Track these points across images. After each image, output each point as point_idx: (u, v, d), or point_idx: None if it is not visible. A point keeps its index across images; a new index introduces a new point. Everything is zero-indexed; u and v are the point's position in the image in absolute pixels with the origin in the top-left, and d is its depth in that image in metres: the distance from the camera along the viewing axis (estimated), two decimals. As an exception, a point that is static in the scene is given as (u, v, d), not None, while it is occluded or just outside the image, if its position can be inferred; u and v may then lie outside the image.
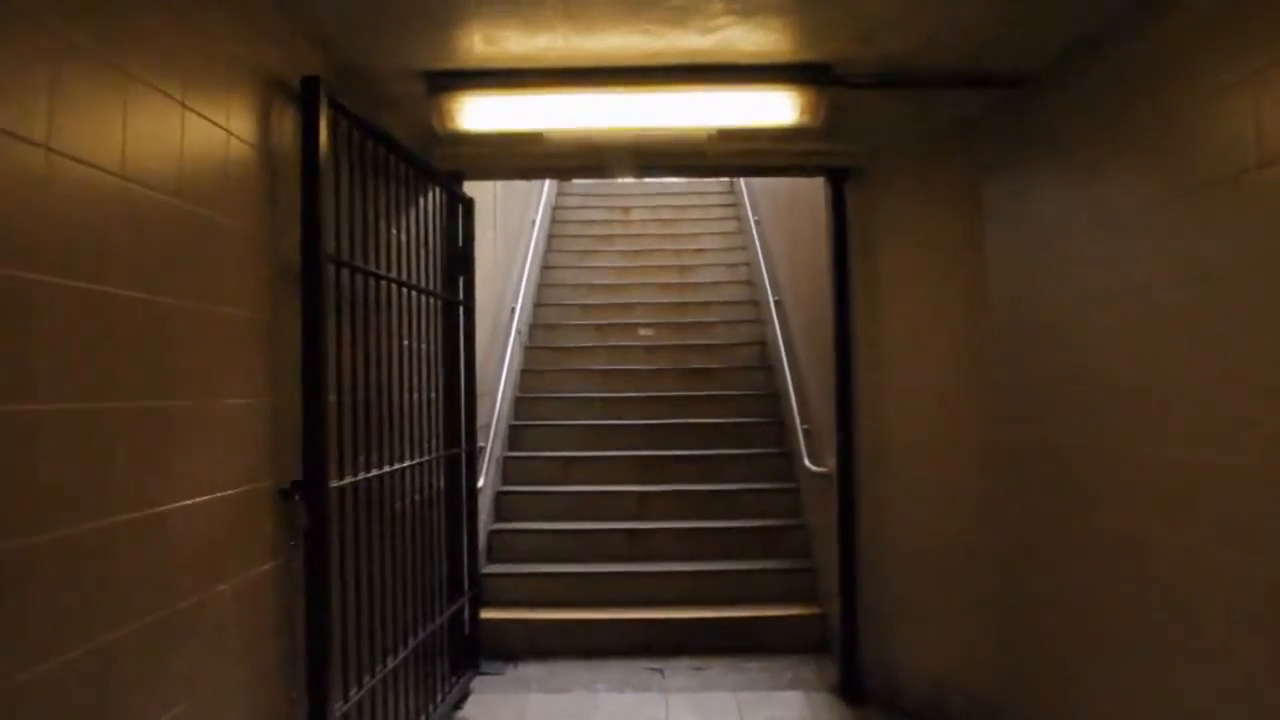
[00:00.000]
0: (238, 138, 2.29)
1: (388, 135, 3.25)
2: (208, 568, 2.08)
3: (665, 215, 9.32)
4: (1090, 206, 2.76)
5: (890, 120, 3.73)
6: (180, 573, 1.96)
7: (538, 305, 7.75)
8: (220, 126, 2.21)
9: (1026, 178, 3.21)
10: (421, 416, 3.66)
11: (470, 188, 4.71)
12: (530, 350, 7.17)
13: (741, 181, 8.48)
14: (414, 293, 3.60)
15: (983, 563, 3.45)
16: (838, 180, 4.21)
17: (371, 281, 3.14)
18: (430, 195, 3.92)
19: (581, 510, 5.65)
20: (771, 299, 6.36)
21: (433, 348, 3.87)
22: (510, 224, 6.45)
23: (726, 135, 3.55)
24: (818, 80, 3.08)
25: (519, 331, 6.80)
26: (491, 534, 5.41)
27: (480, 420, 5.10)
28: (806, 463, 4.85)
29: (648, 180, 9.41)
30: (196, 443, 2.06)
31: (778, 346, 6.11)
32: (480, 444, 5.04)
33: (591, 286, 8.07)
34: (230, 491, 2.18)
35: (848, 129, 3.84)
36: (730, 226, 9.02)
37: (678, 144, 3.84)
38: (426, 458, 3.69)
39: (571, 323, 7.60)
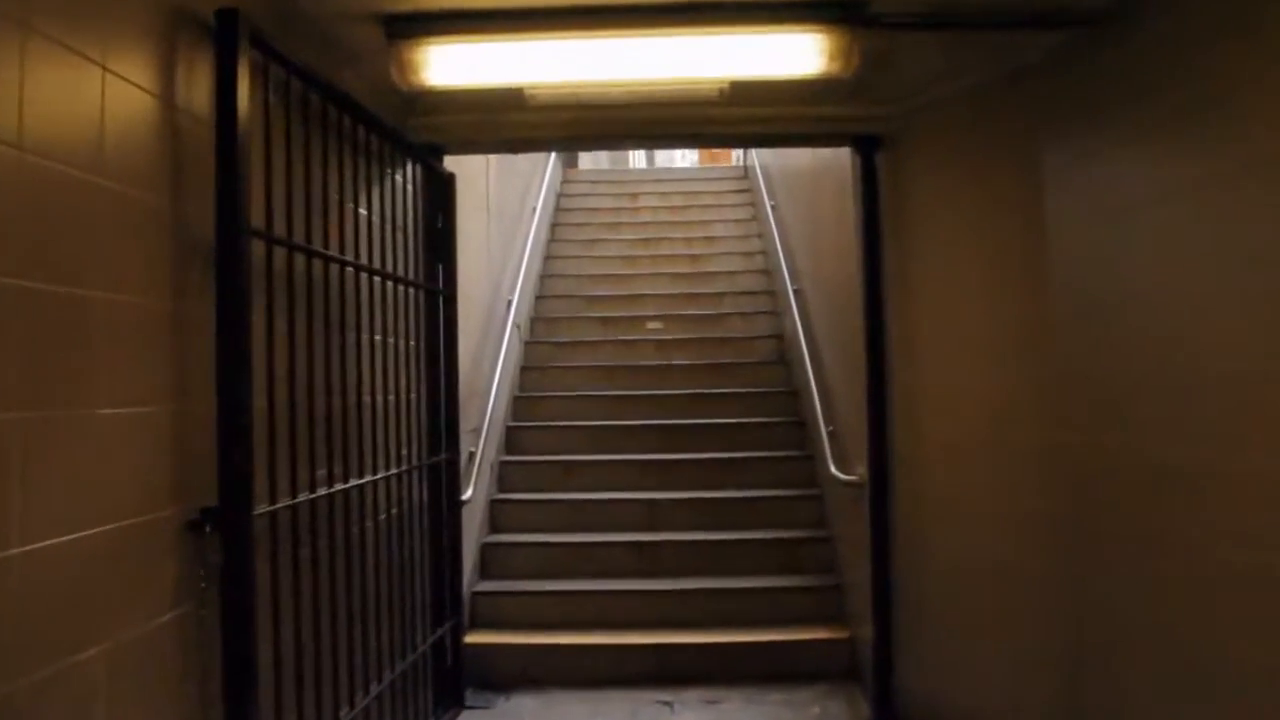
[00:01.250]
0: (128, 82, 1.82)
1: (348, 96, 2.78)
2: (75, 627, 1.60)
3: (676, 202, 8.81)
4: (1192, 161, 2.24)
5: (930, 75, 3.22)
6: (31, 637, 1.49)
7: (539, 297, 7.27)
8: (97, 64, 1.73)
9: (1100, 134, 2.69)
10: (397, 421, 3.20)
11: (459, 167, 4.24)
12: (530, 345, 6.69)
13: (756, 165, 7.97)
14: (386, 280, 3.14)
15: (1044, 591, 2.94)
16: (867, 150, 3.70)
17: (329, 266, 2.67)
18: (405, 170, 3.45)
19: (584, 520, 5.17)
20: (790, 289, 5.86)
21: (410, 343, 3.40)
22: (507, 209, 5.97)
23: (740, 94, 3.05)
24: (850, 20, 2.58)
25: (517, 326, 6.32)
26: (484, 547, 4.93)
27: (471, 422, 4.63)
28: (833, 469, 4.34)
29: (657, 166, 8.93)
30: (60, 465, 1.59)
31: (797, 340, 5.60)
32: (470, 448, 4.57)
33: (597, 277, 7.58)
34: (113, 525, 1.71)
35: (879, 87, 3.33)
36: (744, 213, 8.50)
37: (683, 105, 3.33)
38: (402, 468, 3.23)
39: (575, 316, 7.12)
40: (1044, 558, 2.96)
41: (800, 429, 5.74)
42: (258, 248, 2.19)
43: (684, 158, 10.70)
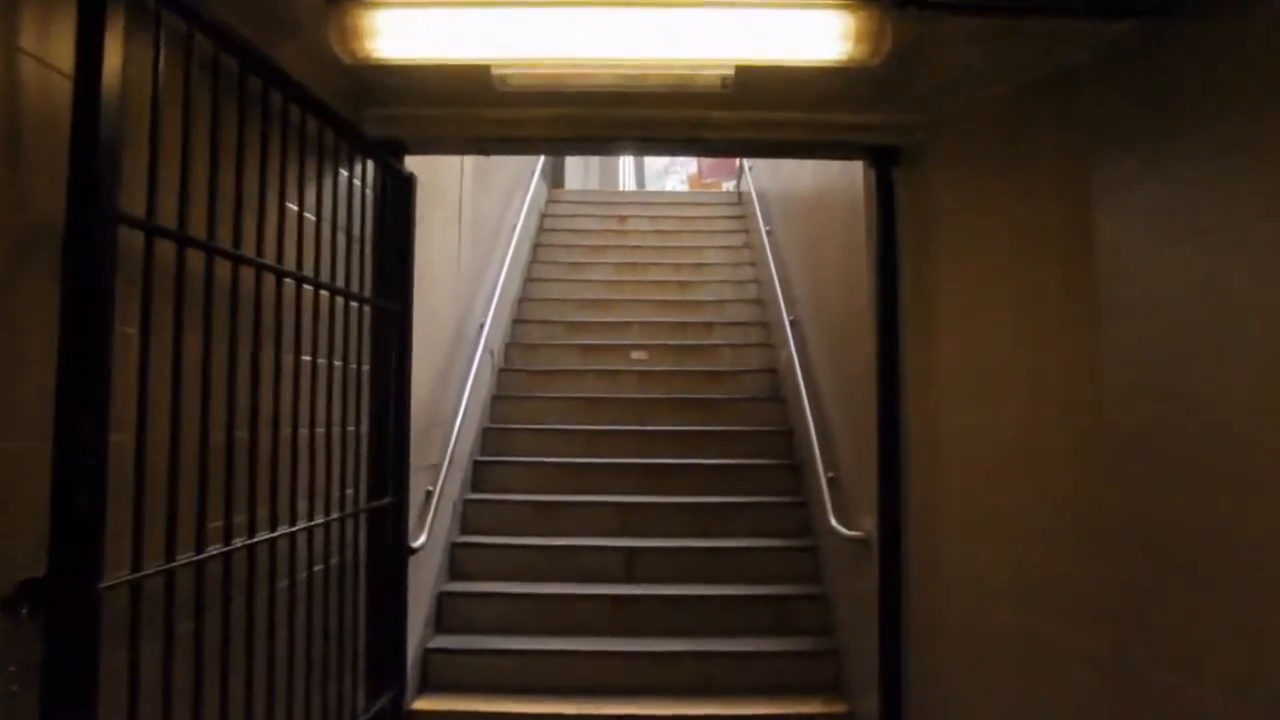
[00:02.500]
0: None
1: (282, 71, 2.32)
2: None
3: (666, 226, 8.38)
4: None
5: (963, 76, 2.81)
6: None
7: (516, 322, 6.79)
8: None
9: (1167, 144, 2.27)
10: (332, 459, 2.71)
11: (429, 175, 3.80)
12: (504, 373, 6.20)
13: (751, 190, 7.57)
14: (327, 293, 2.67)
15: (1086, 673, 2.47)
16: (884, 163, 3.28)
17: (257, 274, 2.21)
18: (358, 169, 2.99)
19: (555, 568, 4.66)
20: (786, 319, 5.42)
21: (355, 367, 2.91)
22: (484, 225, 5.52)
23: (744, 92, 2.61)
24: (881, -3, 2.15)
25: (490, 351, 5.84)
26: (442, 597, 4.41)
27: (431, 457, 4.14)
28: (833, 522, 3.86)
29: (648, 189, 8.51)
30: None
31: (793, 375, 5.14)
32: (429, 486, 4.07)
33: (579, 302, 7.12)
34: None
35: (902, 89, 2.92)
36: (737, 240, 8.09)
37: (680, 103, 2.90)
38: (336, 515, 2.73)
39: (554, 343, 6.64)
40: (1087, 635, 2.49)
41: (795, 473, 5.27)
42: (134, 240, 1.72)
43: (675, 181, 10.32)
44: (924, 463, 3.14)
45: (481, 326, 5.33)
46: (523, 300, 7.09)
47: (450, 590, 4.45)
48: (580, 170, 11.01)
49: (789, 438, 5.54)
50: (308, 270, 2.54)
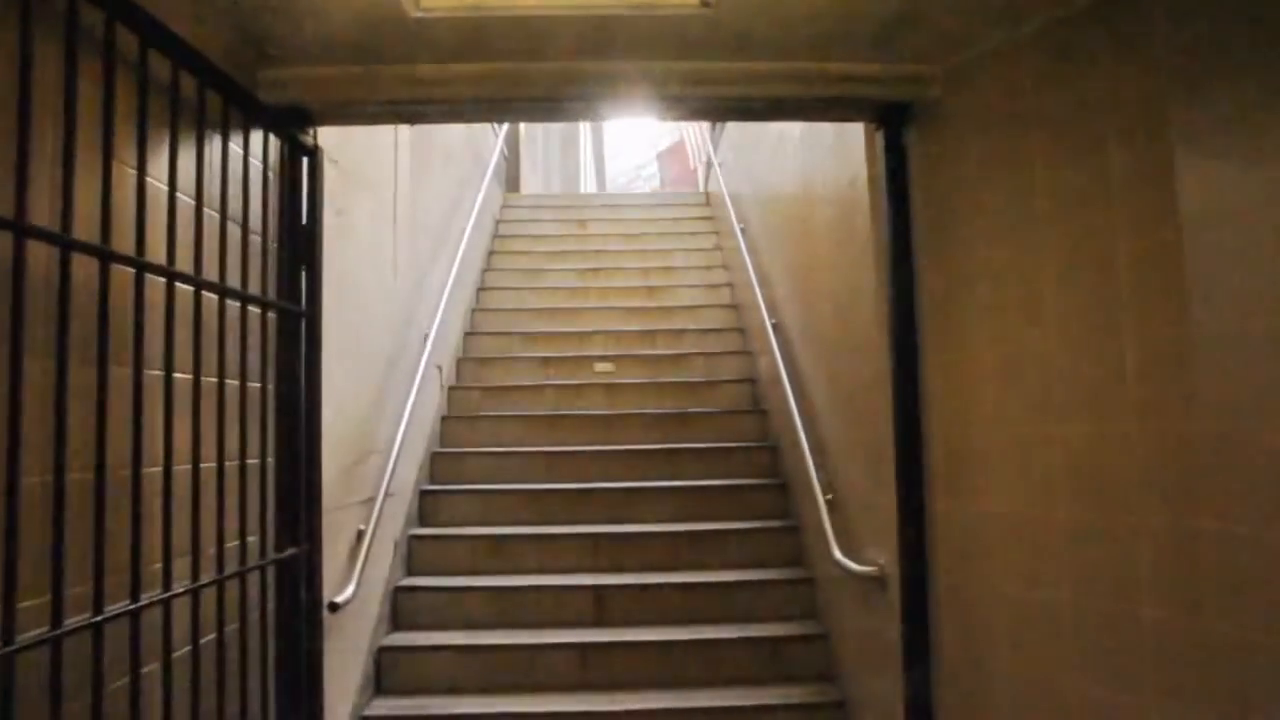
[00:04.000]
0: None
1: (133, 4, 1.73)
2: None
3: (631, 230, 7.83)
4: None
5: (986, 11, 2.28)
6: None
7: (468, 334, 6.18)
8: None
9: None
10: (227, 500, 2.09)
11: (353, 158, 3.24)
12: (455, 391, 5.58)
13: (723, 188, 7.04)
14: (207, 293, 2.06)
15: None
16: (894, 124, 2.75)
17: (85, 264, 1.60)
18: (252, 142, 2.38)
19: (514, 613, 4.04)
20: (768, 322, 4.87)
21: (256, 385, 2.30)
22: (426, 224, 4.91)
23: (727, 40, 2.06)
24: None
25: (438, 367, 5.22)
26: (382, 653, 3.77)
27: (364, 489, 3.51)
28: (837, 554, 3.30)
29: (610, 192, 7.97)
30: None
31: (778, 384, 4.59)
32: (360, 525, 3.45)
33: (538, 311, 6.52)
34: None
35: (918, 29, 2.39)
36: (707, 242, 7.56)
37: (647, 49, 2.34)
38: (226, 573, 2.11)
39: (511, 355, 6.03)
40: (1175, 699, 1.96)
41: (782, 494, 4.71)
42: None
43: (641, 189, 9.76)
44: (953, 487, 2.59)
45: (426, 338, 4.71)
46: (475, 310, 6.48)
47: (391, 644, 3.81)
48: (539, 174, 10.43)
49: (774, 454, 4.99)
50: (183, 266, 1.93)
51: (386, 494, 3.73)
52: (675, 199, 8.71)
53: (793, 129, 4.20)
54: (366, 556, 3.34)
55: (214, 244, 2.10)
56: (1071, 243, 2.24)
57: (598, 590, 4.08)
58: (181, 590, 1.89)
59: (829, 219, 3.57)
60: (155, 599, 1.79)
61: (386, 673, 3.75)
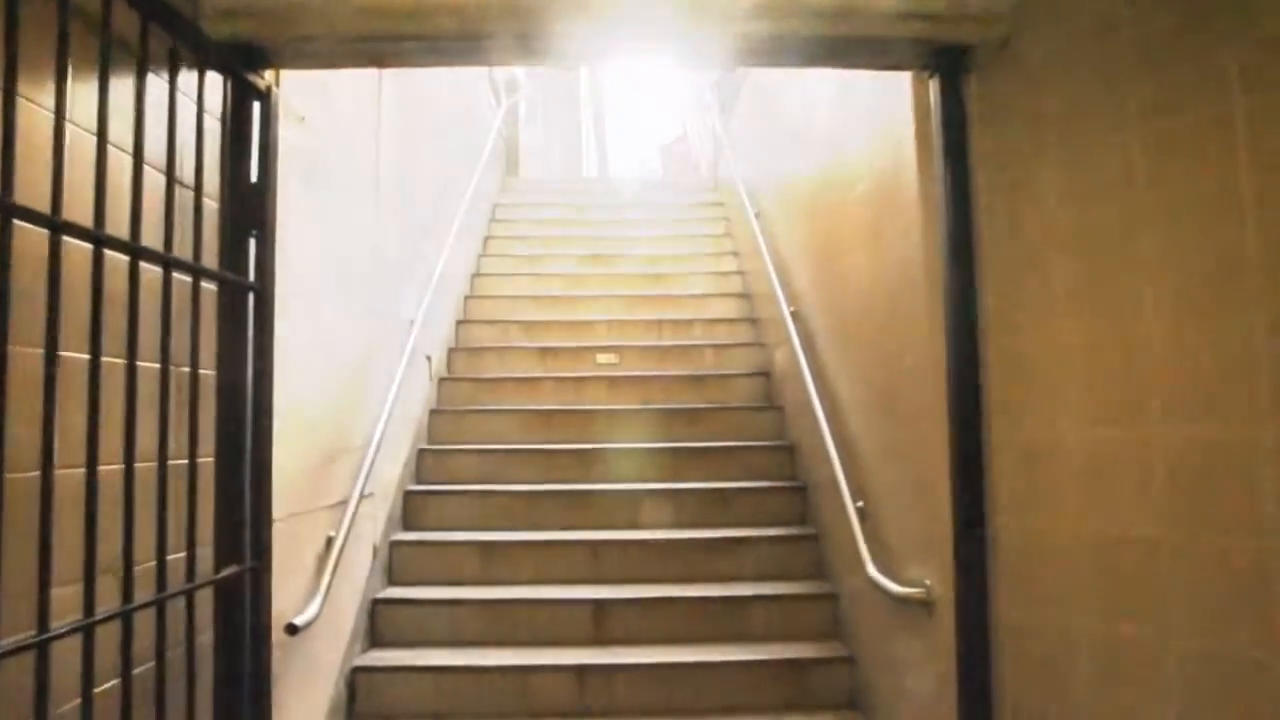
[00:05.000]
0: None
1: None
2: None
3: (630, 215, 7.42)
4: None
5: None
6: None
7: (460, 322, 5.77)
8: None
9: None
10: (157, 508, 1.70)
11: (325, 116, 2.85)
12: (445, 383, 5.18)
13: (734, 169, 6.63)
14: (134, 259, 1.66)
15: None
16: (951, 71, 2.34)
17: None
18: (174, 72, 1.97)
19: (506, 630, 3.65)
20: (786, 311, 4.45)
21: (188, 370, 1.90)
22: (413, 199, 4.50)
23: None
24: None
25: (427, 357, 4.82)
26: (357, 674, 3.37)
27: (335, 492, 3.11)
28: (872, 571, 2.89)
29: (611, 178, 7.57)
30: None
31: (796, 378, 4.18)
32: (330, 532, 3.05)
33: (537, 299, 6.11)
34: None
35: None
36: (716, 229, 7.16)
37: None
38: (164, 594, 1.71)
39: (507, 345, 5.63)
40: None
41: (799, 497, 4.31)
42: None
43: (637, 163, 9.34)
44: (1019, 499, 2.19)
45: (412, 324, 4.30)
46: (469, 298, 6.08)
47: (367, 664, 3.41)
48: (539, 158, 10.03)
49: (790, 454, 4.59)
50: (106, 225, 1.53)
51: (363, 495, 3.33)
52: (681, 184, 8.28)
53: (819, 93, 3.78)
54: (336, 567, 2.94)
55: (149, 203, 1.70)
56: (1181, 206, 1.83)
57: (597, 605, 3.67)
58: (64, 630, 1.48)
59: (865, 191, 3.15)
60: (26, 641, 1.39)
61: (360, 696, 3.35)
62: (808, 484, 4.30)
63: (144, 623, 1.71)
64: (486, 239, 6.91)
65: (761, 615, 3.69)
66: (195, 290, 1.93)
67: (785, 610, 3.71)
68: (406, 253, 4.30)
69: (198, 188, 1.95)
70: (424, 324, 4.42)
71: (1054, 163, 2.11)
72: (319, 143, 2.97)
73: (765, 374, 5.23)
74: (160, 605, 1.73)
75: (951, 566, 2.32)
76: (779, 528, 4.17)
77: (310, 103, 2.93)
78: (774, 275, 4.82)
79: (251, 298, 2.21)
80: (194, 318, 1.91)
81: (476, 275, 6.37)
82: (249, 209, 2.22)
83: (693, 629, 3.65)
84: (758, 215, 5.57)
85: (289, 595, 2.67)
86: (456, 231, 5.34)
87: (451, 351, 5.47)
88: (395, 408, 3.83)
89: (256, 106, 2.27)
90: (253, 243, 2.25)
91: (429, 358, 4.88)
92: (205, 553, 2.04)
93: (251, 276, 2.21)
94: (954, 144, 2.32)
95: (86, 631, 1.49)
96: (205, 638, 2.04)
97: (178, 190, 1.89)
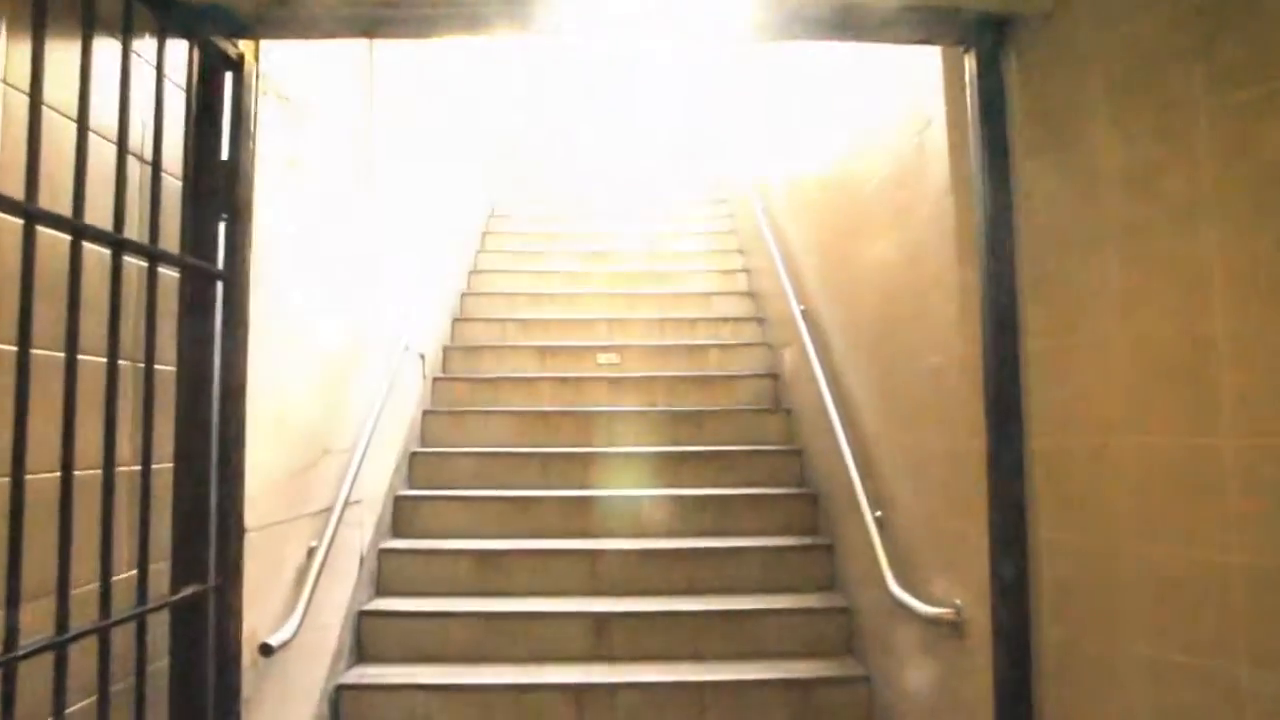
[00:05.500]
0: None
1: None
2: None
3: (636, 208, 7.23)
4: None
5: None
6: None
7: (457, 320, 5.57)
8: None
9: None
10: (113, 521, 1.50)
11: (309, 96, 2.66)
12: (439, 383, 4.97)
13: (737, 162, 6.43)
14: (79, 240, 1.46)
15: None
16: (988, 45, 2.14)
17: None
18: (127, 35, 1.77)
19: (499, 646, 3.44)
20: (797, 309, 4.25)
21: (148, 367, 1.70)
22: (404, 186, 4.30)
23: None
24: None
25: (420, 355, 4.61)
26: (342, 692, 3.16)
27: (316, 500, 2.91)
28: (894, 587, 2.69)
29: (611, 172, 7.40)
30: None
31: (807, 380, 3.98)
32: (312, 542, 2.85)
33: (535, 297, 5.91)
34: None
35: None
36: (721, 225, 6.96)
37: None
38: (114, 618, 1.51)
39: (505, 344, 5.42)
40: None
41: (810, 506, 4.11)
42: None
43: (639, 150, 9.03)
44: (1064, 514, 1.99)
45: (405, 319, 4.09)
46: (465, 295, 5.88)
47: (352, 682, 3.20)
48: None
49: (799, 459, 4.39)
50: (46, 203, 1.33)
51: (348, 502, 3.12)
52: (685, 178, 8.07)
53: (834, 74, 3.57)
54: (317, 580, 2.73)
55: (101, 180, 1.50)
56: (1261, 182, 1.63)
57: (599, 619, 3.47)
58: (35, 648, 1.28)
59: (887, 177, 2.95)
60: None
61: (344, 716, 3.15)
62: (819, 491, 4.10)
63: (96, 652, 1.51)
64: (484, 234, 6.72)
65: (772, 630, 3.49)
66: (151, 276, 1.72)
67: (797, 625, 3.51)
68: (398, 241, 4.09)
69: (156, 162, 1.75)
70: (417, 319, 4.22)
71: (1105, 144, 1.91)
72: (303, 124, 2.76)
73: (773, 375, 5.03)
74: (103, 634, 1.53)
75: (988, 586, 2.12)
76: (789, 537, 3.97)
77: (297, 84, 2.73)
78: (783, 272, 4.62)
79: (220, 286, 2.00)
80: (149, 307, 1.71)
81: (473, 272, 6.16)
82: (219, 189, 2.02)
83: (699, 644, 3.44)
84: (765, 210, 5.37)
85: (264, 612, 2.46)
86: (454, 221, 5.14)
87: (446, 350, 5.27)
88: (386, 408, 3.63)
89: (229, 77, 2.06)
90: (222, 226, 2.05)
91: (422, 356, 4.67)
92: (165, 570, 1.84)
93: (220, 263, 2.00)
94: (991, 126, 2.12)
95: (6, 668, 1.28)
96: (165, 664, 1.84)
97: (137, 166, 1.70)
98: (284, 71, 2.62)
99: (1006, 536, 2.08)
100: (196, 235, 1.95)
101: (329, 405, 3.10)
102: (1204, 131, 1.72)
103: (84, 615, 1.51)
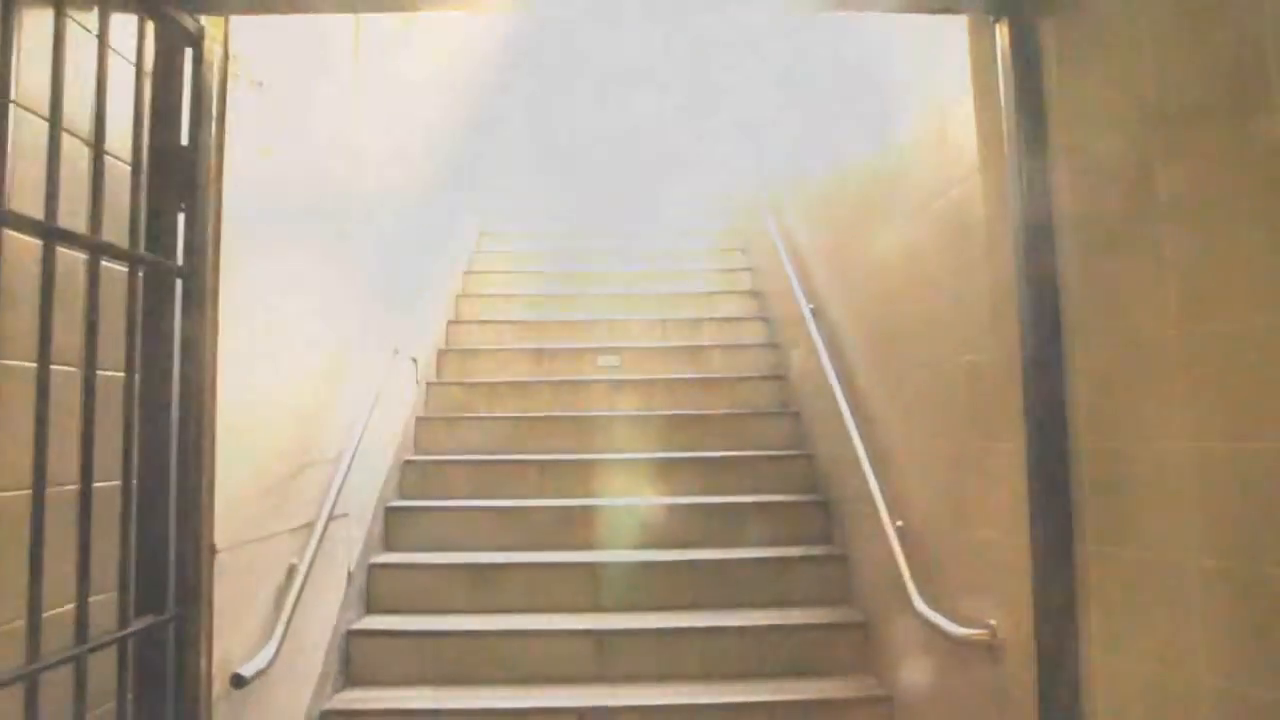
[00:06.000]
0: None
1: None
2: None
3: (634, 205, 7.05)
4: None
5: None
6: None
7: (451, 323, 5.38)
8: None
9: None
10: (58, 544, 1.32)
11: (286, 81, 2.48)
12: (434, 388, 4.78)
13: (741, 158, 6.24)
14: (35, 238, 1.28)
15: None
16: (1023, 12, 1.95)
17: None
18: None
19: (495, 666, 3.24)
20: (805, 308, 4.06)
21: (102, 374, 1.51)
22: (397, 180, 4.11)
23: None
24: None
25: (413, 359, 4.42)
26: (328, 719, 2.96)
27: (298, 515, 2.72)
28: (920, 605, 2.50)
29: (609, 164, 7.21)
30: None
31: (817, 381, 3.79)
32: (293, 559, 2.65)
33: (532, 298, 5.73)
34: None
35: None
36: (719, 224, 6.77)
37: None
38: (27, 667, 1.32)
39: (502, 347, 5.23)
40: None
41: (821, 514, 3.91)
42: None
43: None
44: (1112, 527, 1.79)
45: (397, 321, 3.90)
46: (461, 297, 5.69)
47: (338, 708, 3.00)
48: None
49: (810, 463, 4.20)
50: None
51: (333, 516, 2.93)
52: (684, 173, 7.89)
53: (847, 53, 3.39)
54: (298, 601, 2.54)
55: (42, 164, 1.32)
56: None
57: (599, 636, 3.27)
58: None
59: (906, 163, 2.76)
60: None
61: (331, 744, 2.95)
62: (830, 499, 3.90)
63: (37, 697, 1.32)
64: (481, 234, 6.54)
65: (784, 648, 3.29)
66: (93, 271, 1.53)
67: (810, 642, 3.31)
68: (387, 237, 3.89)
69: (98, 142, 1.56)
70: (411, 321, 4.03)
71: (1158, 119, 1.72)
72: (279, 112, 2.57)
73: (779, 377, 4.84)
74: (31, 679, 1.33)
75: (1028, 604, 1.92)
76: (799, 546, 3.78)
77: (274, 69, 2.54)
78: (790, 269, 4.43)
79: (180, 284, 1.81)
80: (90, 305, 1.51)
81: (468, 273, 5.98)
82: (177, 176, 1.82)
83: (705, 664, 3.24)
84: (772, 205, 5.18)
85: (239, 638, 2.27)
86: (449, 218, 4.95)
87: (441, 353, 5.08)
88: (377, 414, 3.44)
89: (190, 54, 1.87)
90: (184, 219, 1.86)
91: (415, 360, 4.48)
92: (117, 600, 1.64)
93: (179, 258, 1.81)
94: (1028, 100, 1.93)
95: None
96: (114, 708, 1.64)
97: (80, 150, 1.51)
98: (259, 56, 2.44)
99: (1051, 550, 1.88)
100: (151, 228, 1.76)
101: (311, 413, 2.91)
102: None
103: (16, 659, 1.32)
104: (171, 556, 1.76)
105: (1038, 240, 1.92)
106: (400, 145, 4.12)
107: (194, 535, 1.81)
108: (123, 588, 1.62)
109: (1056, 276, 1.91)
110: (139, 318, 1.70)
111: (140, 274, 1.69)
